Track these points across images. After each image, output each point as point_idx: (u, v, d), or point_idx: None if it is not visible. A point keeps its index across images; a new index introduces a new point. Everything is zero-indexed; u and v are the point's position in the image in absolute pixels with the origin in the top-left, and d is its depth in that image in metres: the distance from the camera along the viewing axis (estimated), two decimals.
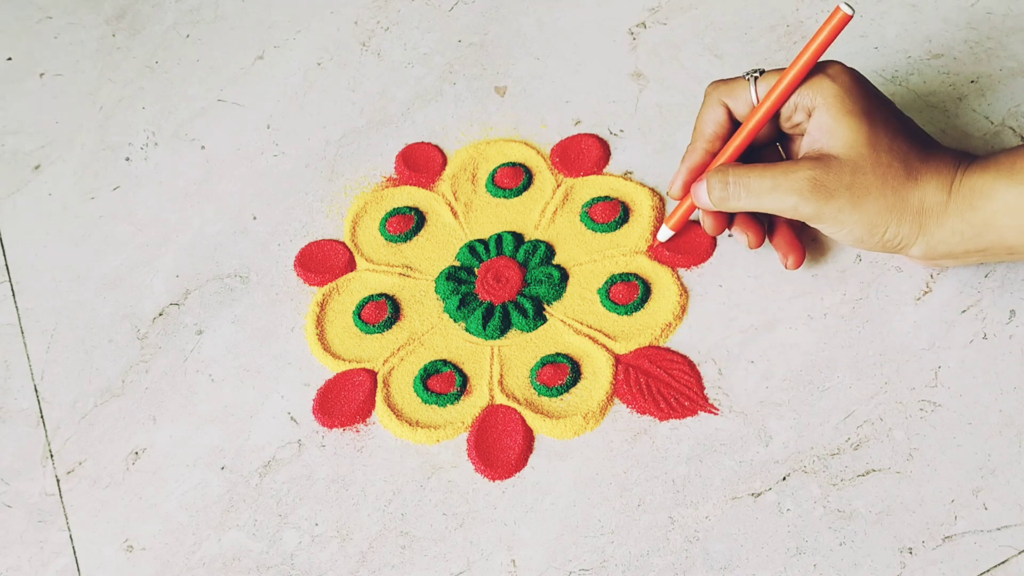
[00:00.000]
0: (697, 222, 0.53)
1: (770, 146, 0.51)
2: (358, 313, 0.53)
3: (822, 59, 0.46)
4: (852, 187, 0.44)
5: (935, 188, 0.44)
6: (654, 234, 0.54)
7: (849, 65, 0.46)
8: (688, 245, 0.53)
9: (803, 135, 0.47)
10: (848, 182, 0.44)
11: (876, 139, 0.44)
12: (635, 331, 0.51)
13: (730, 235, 0.52)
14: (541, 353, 0.51)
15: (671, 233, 0.53)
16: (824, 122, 0.45)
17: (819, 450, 0.46)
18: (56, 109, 0.67)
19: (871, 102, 0.45)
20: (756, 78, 0.47)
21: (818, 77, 0.45)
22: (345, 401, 0.51)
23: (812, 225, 0.47)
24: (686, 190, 0.50)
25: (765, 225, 0.50)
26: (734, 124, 0.49)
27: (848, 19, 0.44)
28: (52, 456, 0.52)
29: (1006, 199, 0.43)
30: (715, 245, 0.53)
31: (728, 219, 0.50)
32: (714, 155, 0.49)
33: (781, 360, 0.49)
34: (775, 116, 0.48)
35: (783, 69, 0.46)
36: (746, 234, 0.50)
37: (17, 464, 0.52)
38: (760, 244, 0.50)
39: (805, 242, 0.51)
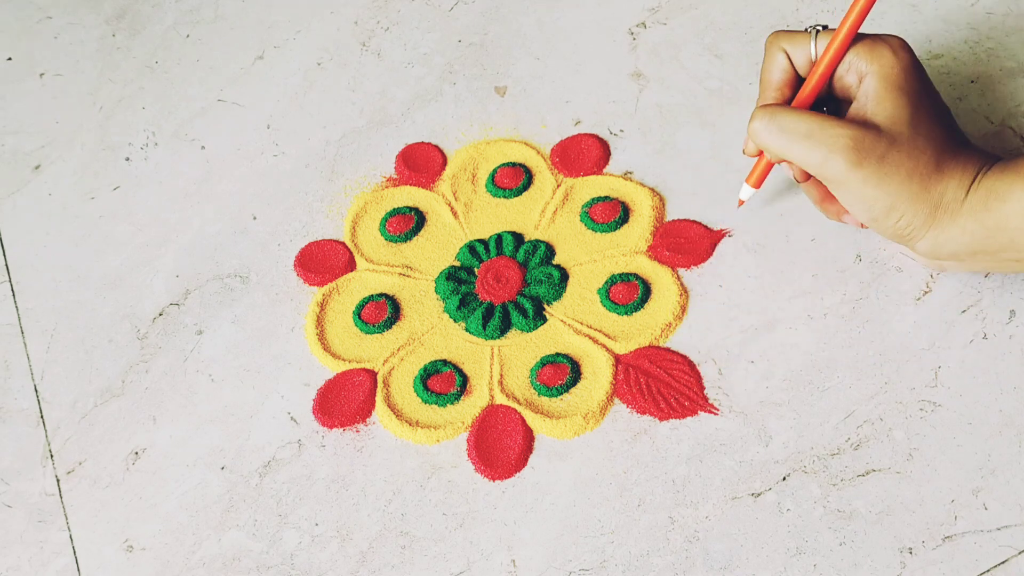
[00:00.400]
0: (702, 223, 0.53)
1: (818, 106, 0.50)
2: (358, 313, 0.53)
3: (883, 32, 0.46)
4: (883, 160, 0.44)
5: (956, 184, 0.44)
6: (654, 233, 0.54)
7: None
8: (688, 245, 0.53)
9: (850, 101, 0.47)
10: (881, 153, 0.44)
11: (918, 121, 0.44)
12: (635, 331, 0.51)
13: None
14: (541, 353, 0.51)
15: (752, 191, 0.52)
16: (875, 90, 0.45)
17: (819, 450, 0.46)
18: (56, 109, 0.67)
19: (922, 85, 0.45)
20: (818, 32, 0.47)
21: (879, 45, 0.45)
22: (345, 401, 0.51)
23: (832, 190, 0.46)
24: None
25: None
26: (797, 75, 0.49)
27: None
28: (52, 456, 0.52)
29: (1021, 203, 0.43)
30: (715, 245, 0.53)
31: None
32: (785, 103, 0.49)
33: (781, 360, 0.49)
34: (833, 70, 0.47)
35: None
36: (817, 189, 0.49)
37: (17, 464, 0.52)
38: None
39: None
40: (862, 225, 0.49)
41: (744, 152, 0.50)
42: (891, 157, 0.44)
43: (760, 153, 0.50)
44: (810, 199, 0.51)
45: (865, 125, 0.44)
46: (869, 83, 0.45)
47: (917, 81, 0.45)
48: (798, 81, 0.49)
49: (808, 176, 0.48)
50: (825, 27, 0.47)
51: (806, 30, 0.48)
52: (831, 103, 0.49)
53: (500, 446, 0.48)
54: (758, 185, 0.51)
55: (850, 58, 0.46)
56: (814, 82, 0.47)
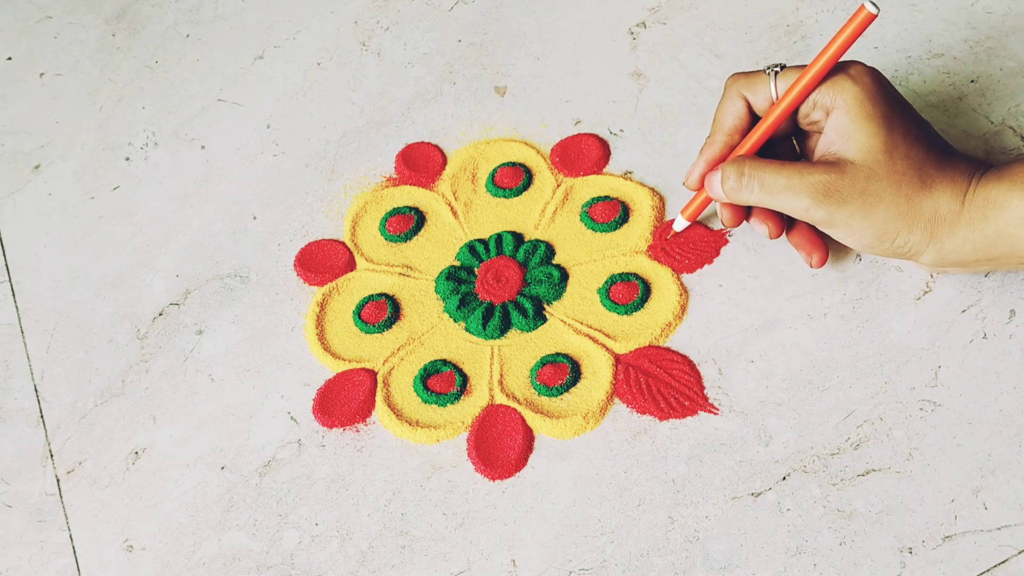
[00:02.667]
0: (703, 224, 0.53)
1: (785, 140, 0.50)
2: (358, 313, 0.53)
3: (844, 58, 0.46)
4: (865, 194, 0.44)
5: (949, 197, 0.44)
6: (654, 233, 0.54)
7: (870, 65, 0.46)
8: (690, 247, 0.53)
9: (820, 132, 0.47)
10: (861, 188, 0.44)
11: (893, 146, 0.44)
12: (635, 331, 0.51)
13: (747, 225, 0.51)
14: (541, 353, 0.51)
15: (687, 224, 0.52)
16: (842, 124, 0.45)
17: (819, 450, 0.46)
18: (56, 109, 0.67)
19: (891, 107, 0.45)
20: (776, 73, 0.47)
21: (839, 77, 0.45)
22: (345, 401, 0.51)
23: (822, 229, 0.47)
24: (702, 181, 0.50)
25: (785, 217, 0.50)
26: (753, 118, 0.49)
27: (872, 18, 0.43)
28: (52, 456, 0.52)
29: (1019, 210, 0.43)
30: (719, 248, 0.53)
31: (745, 212, 0.49)
32: (732, 148, 0.49)
33: (781, 360, 0.49)
34: (793, 112, 0.47)
35: (804, 66, 0.46)
36: (765, 224, 0.49)
37: (17, 464, 0.52)
38: (779, 235, 0.49)
39: (826, 240, 0.50)
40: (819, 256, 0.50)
41: (685, 184, 0.51)
42: (872, 188, 0.44)
43: (700, 187, 0.50)
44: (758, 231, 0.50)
45: (839, 164, 0.44)
46: (835, 118, 0.45)
47: (884, 103, 0.45)
48: (750, 125, 0.49)
49: (738, 222, 0.49)
50: (783, 67, 0.47)
51: (764, 71, 0.48)
52: (797, 134, 0.50)
53: (500, 446, 0.48)
54: (693, 219, 0.52)
55: (813, 97, 0.46)
56: (768, 124, 0.47)
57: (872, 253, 0.47)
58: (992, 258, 0.45)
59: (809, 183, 0.44)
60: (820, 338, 0.49)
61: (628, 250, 0.54)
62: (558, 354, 0.51)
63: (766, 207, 0.47)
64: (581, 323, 0.52)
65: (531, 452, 0.48)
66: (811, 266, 0.50)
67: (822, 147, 0.46)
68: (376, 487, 0.48)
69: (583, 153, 0.58)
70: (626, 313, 0.51)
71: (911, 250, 0.45)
